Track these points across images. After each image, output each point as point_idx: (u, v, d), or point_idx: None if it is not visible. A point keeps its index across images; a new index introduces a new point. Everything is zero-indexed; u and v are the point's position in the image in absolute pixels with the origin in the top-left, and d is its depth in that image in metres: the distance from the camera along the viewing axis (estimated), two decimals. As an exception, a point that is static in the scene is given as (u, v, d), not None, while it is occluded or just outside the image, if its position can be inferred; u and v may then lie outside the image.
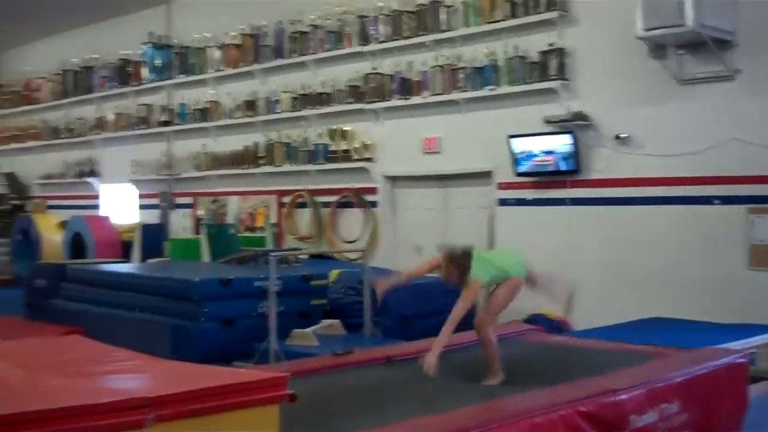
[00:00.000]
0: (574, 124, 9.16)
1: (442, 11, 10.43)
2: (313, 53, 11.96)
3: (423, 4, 10.64)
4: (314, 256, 10.97)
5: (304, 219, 12.17)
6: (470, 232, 10.21)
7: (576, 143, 9.12)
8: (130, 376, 4.25)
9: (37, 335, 8.62)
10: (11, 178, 18.05)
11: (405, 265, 9.64)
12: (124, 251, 13.44)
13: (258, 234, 12.50)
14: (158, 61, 14.35)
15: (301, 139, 12.15)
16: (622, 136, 8.88)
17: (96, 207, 15.99)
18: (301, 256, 10.45)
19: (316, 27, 11.91)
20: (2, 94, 18.51)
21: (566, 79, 9.33)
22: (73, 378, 4.09)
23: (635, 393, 5.01)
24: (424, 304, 8.33)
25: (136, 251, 13.00)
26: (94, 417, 3.35)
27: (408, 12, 10.81)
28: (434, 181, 10.86)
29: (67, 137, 16.58)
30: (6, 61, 18.90)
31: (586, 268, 9.16)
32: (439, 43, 10.51)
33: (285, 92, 12.35)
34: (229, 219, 13.11)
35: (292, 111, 12.22)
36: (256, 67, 12.74)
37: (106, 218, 14.80)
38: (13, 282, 15.30)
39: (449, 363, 5.91)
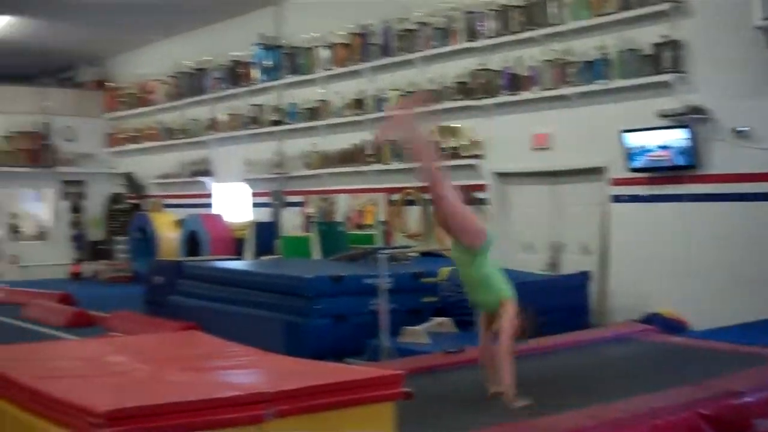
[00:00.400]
0: (690, 117, 8.88)
1: (551, 5, 10.28)
2: (420, 51, 11.96)
3: (532, -1, 10.53)
4: (424, 254, 10.96)
5: (412, 216, 12.19)
6: (583, 229, 10.08)
7: (693, 137, 8.85)
8: (248, 371, 4.33)
9: (157, 330, 8.91)
10: (129, 178, 18.63)
11: (516, 264, 9.60)
12: (236, 248, 13.74)
13: (367, 231, 12.58)
14: (268, 62, 14.59)
15: (409, 136, 12.16)
16: (740, 129, 8.57)
17: (209, 205, 16.37)
18: (410, 254, 10.48)
19: (423, 24, 11.91)
20: (119, 97, 19.13)
21: (681, 72, 9.07)
22: (193, 372, 4.20)
23: (760, 396, 4.84)
24: (536, 301, 8.22)
25: (249, 248, 13.26)
26: (216, 411, 3.43)
27: (516, 7, 10.70)
28: (545, 178, 10.72)
29: (182, 138, 17.02)
30: (122, 64, 19.52)
31: (704, 266, 8.89)
32: (548, 37, 10.36)
33: (393, 90, 12.39)
34: (338, 217, 13.25)
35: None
36: (364, 65, 12.83)
37: (219, 216, 15.16)
38: (133, 279, 15.85)
39: (562, 364, 5.83)
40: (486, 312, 5.22)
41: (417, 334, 7.79)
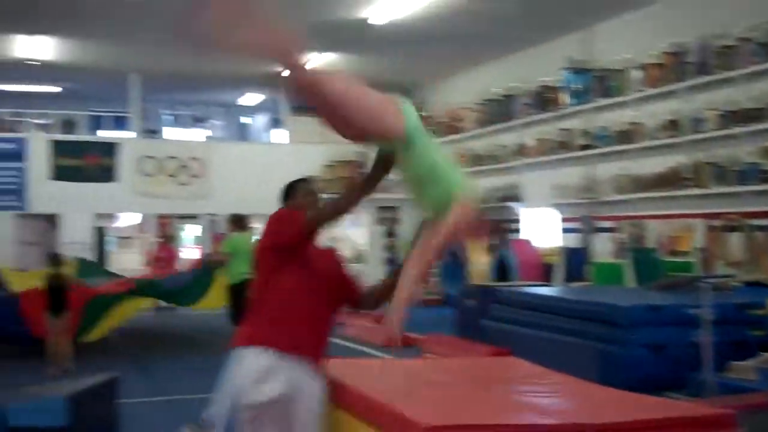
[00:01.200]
0: None
1: None
2: (741, 68, 11.28)
3: None
4: (749, 284, 10.28)
5: (734, 244, 11.46)
6: None
7: None
8: (567, 399, 4.28)
9: (470, 354, 9.07)
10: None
11: None
12: (545, 274, 13.68)
13: (683, 259, 12.01)
14: (577, 86, 14.46)
15: (730, 158, 11.50)
16: None
17: (518, 231, 16.45)
18: (734, 283, 9.87)
19: (744, 40, 11.23)
20: (430, 125, 19.79)
21: None
22: (512, 396, 4.23)
23: None
24: None
25: (559, 274, 13.15)
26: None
27: None
28: None
29: (490, 164, 17.28)
30: (433, 93, 20.22)
31: None
32: None
33: (710, 110, 11.79)
34: (650, 243, 12.78)
35: (720, 129, 11.62)
36: (679, 85, 12.30)
37: (528, 242, 15.19)
38: (443, 302, 16.29)
39: None
40: (434, 213, 3.96)
41: (744, 369, 7.30)
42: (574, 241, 14.34)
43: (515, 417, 3.85)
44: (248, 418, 4.10)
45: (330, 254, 4.51)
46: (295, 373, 4.09)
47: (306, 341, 4.17)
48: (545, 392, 4.35)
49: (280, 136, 20.86)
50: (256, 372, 4.07)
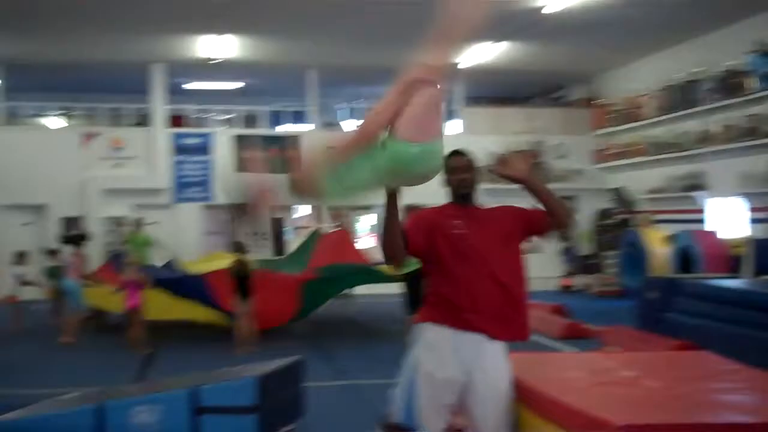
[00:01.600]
0: None
1: None
2: None
3: None
4: None
5: None
6: None
7: None
8: (761, 397, 4.12)
9: (652, 347, 8.82)
10: (618, 193, 18.73)
11: None
12: (732, 266, 13.10)
13: None
14: (766, 70, 13.74)
15: None
16: None
17: (700, 221, 15.83)
18: None
19: None
20: (607, 113, 19.35)
21: None
22: (704, 393, 4.11)
23: None
24: None
25: (747, 267, 12.55)
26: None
27: None
28: None
29: (672, 152, 16.70)
30: (610, 81, 19.75)
31: None
32: None
33: None
34: None
35: None
36: None
37: (713, 232, 14.60)
38: (622, 293, 15.92)
39: None
40: None
41: None
42: (763, 231, 13.66)
43: (710, 415, 3.74)
44: (424, 393, 4.06)
45: (496, 211, 4.31)
46: (468, 349, 4.00)
47: (476, 314, 4.00)
48: (739, 389, 4.21)
49: (454, 126, 20.87)
50: (426, 347, 4.07)
